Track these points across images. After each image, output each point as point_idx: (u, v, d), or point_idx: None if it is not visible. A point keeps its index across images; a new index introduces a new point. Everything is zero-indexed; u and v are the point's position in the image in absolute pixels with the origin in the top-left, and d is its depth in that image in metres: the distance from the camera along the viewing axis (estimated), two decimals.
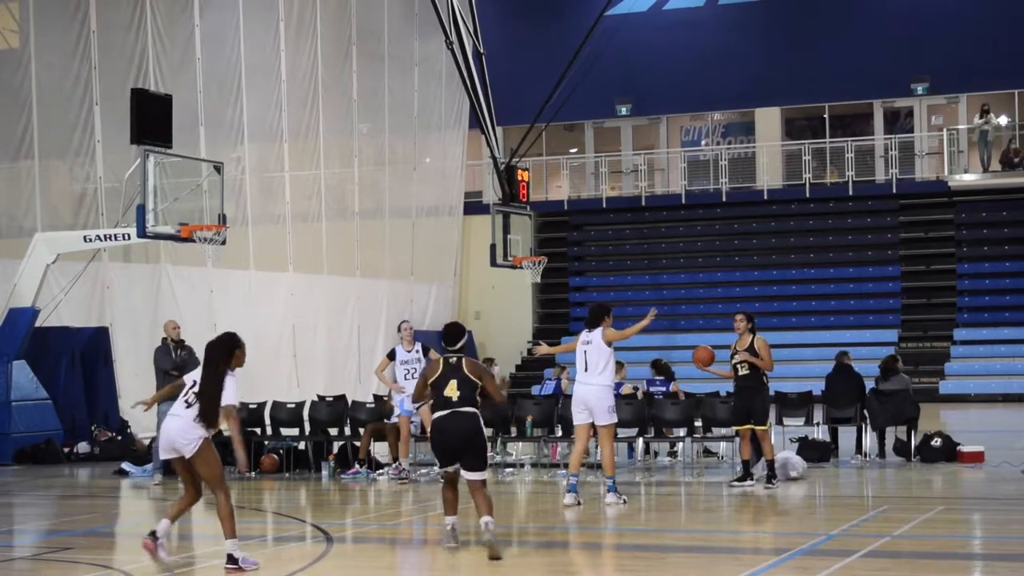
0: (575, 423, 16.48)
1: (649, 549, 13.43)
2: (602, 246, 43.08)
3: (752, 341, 17.57)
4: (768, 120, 41.98)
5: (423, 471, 19.78)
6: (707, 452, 21.79)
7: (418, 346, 19.75)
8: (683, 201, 41.16)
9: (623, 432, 17.43)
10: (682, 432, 20.36)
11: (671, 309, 38.73)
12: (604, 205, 42.07)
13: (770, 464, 17.52)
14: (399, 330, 20.23)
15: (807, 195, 40.20)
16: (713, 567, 12.16)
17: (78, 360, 25.99)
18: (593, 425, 16.27)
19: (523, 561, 12.49)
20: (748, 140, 42.52)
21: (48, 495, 19.91)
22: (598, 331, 16.20)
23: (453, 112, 39.82)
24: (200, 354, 19.48)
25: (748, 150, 42.06)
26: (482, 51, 34.22)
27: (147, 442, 23.10)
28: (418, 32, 37.96)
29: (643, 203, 41.69)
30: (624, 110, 42.77)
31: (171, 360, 20.20)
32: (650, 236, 42.18)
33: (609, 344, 16.17)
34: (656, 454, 21.81)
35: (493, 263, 33.52)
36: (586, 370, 16.18)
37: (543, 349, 17.80)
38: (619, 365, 20.41)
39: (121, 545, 14.79)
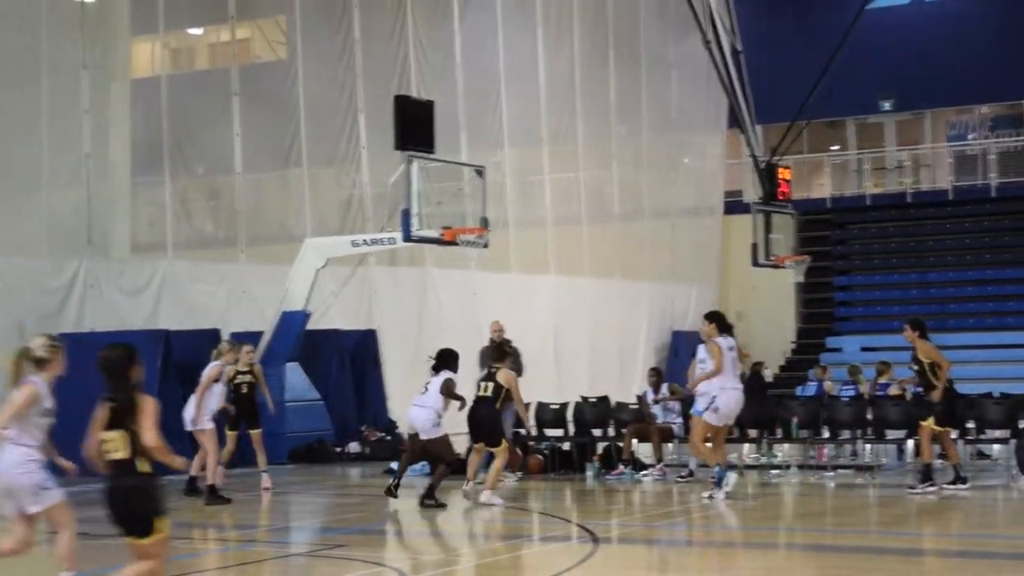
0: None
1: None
2: (867, 244, 42.22)
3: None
4: None
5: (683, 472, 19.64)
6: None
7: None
8: (950, 197, 40.09)
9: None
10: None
11: (939, 308, 37.77)
12: (868, 203, 41.25)
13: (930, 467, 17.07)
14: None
15: None
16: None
17: (348, 362, 26.37)
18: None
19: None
20: (1018, 133, 41.18)
21: (320, 493, 20.41)
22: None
23: (711, 111, 39.54)
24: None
25: (1018, 143, 40.72)
26: (740, 48, 33.78)
27: None
28: (674, 32, 37.81)
29: (908, 200, 40.74)
30: (887, 105, 41.86)
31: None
32: (916, 234, 41.16)
33: None
34: None
35: (755, 263, 33.04)
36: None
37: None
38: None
39: (393, 543, 15.09)
